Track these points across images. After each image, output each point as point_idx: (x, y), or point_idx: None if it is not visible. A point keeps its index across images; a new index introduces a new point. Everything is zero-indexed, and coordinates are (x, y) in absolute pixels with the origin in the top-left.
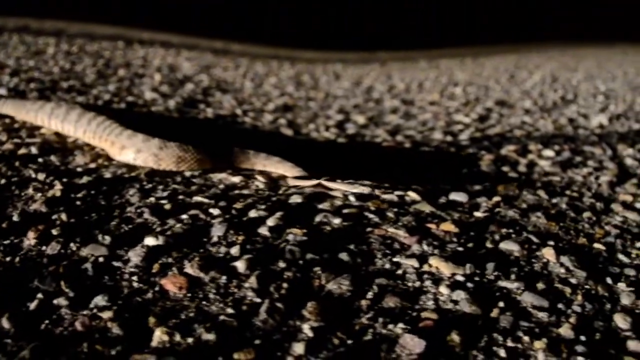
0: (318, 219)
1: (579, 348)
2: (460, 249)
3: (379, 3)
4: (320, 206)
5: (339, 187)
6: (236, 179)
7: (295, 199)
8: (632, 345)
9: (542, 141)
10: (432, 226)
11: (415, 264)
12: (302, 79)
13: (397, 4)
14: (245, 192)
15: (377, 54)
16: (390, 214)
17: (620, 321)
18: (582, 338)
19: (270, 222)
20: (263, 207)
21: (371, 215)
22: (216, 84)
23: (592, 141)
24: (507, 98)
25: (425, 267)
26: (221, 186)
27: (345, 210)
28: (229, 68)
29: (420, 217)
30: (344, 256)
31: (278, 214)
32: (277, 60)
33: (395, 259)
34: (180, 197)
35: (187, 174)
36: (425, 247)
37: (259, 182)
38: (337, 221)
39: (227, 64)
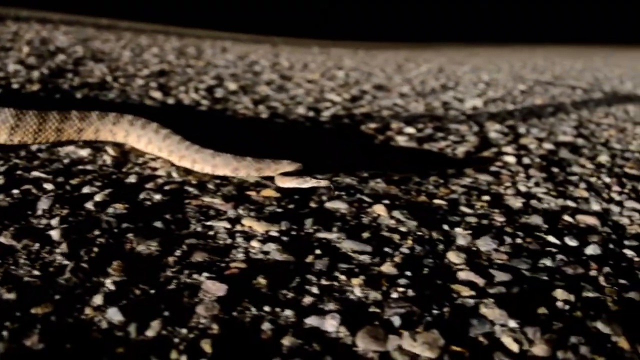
0: (142, 195)
1: (402, 281)
2: (279, 210)
3: None
4: (147, 185)
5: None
6: (84, 153)
7: (131, 179)
8: (462, 275)
9: (407, 120)
10: (252, 193)
11: (228, 225)
12: (186, 51)
13: None
14: (89, 167)
15: (272, 37)
16: (210, 186)
17: (454, 257)
18: (407, 273)
19: (98, 197)
20: (98, 184)
21: (191, 189)
22: (91, 54)
23: (459, 120)
24: (387, 83)
25: (238, 227)
26: (66, 161)
27: (167, 187)
28: (110, 40)
29: (242, 187)
30: (158, 224)
31: (107, 191)
32: (165, 34)
33: (208, 223)
34: (19, 172)
35: (34, 147)
36: (240, 211)
37: (107, 157)
38: (158, 197)
39: (109, 37)
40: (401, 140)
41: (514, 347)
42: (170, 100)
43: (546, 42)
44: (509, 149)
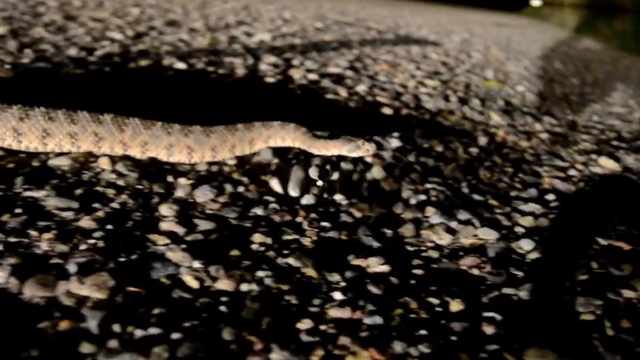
0: None
1: (97, 234)
2: None
3: None
4: None
5: None
6: None
7: None
8: (164, 226)
9: (182, 56)
10: None
11: None
12: None
13: None
14: None
15: None
16: None
17: (165, 210)
18: (109, 227)
19: None
20: None
21: None
22: None
23: (237, 53)
24: (181, 19)
25: None
26: None
27: None
28: None
29: None
30: None
31: None
32: None
33: None
34: None
35: None
36: None
37: None
38: None
39: None
40: (168, 76)
41: (194, 284)
42: None
43: None
44: (271, 79)
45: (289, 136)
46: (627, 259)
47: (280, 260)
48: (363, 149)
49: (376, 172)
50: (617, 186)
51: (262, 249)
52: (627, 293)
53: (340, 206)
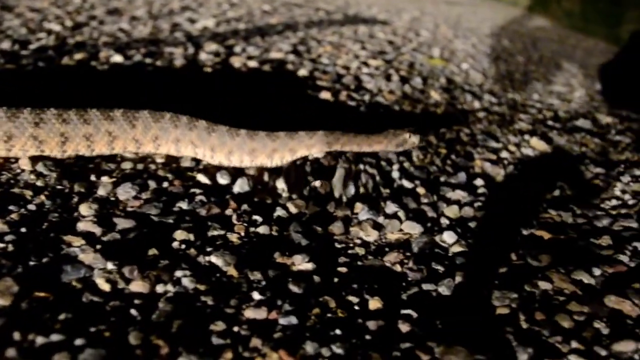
0: None
1: (8, 237)
2: None
3: None
4: None
5: None
6: None
7: None
8: (81, 226)
9: (120, 47)
10: None
11: None
12: None
13: None
14: None
15: None
16: None
17: (85, 209)
18: (22, 230)
19: None
20: None
21: None
22: None
23: (177, 43)
24: (124, 7)
25: None
26: None
27: None
28: None
29: None
30: None
31: None
32: None
33: None
34: None
35: None
36: None
37: None
38: None
39: None
40: (104, 68)
41: (106, 287)
42: None
43: None
44: (209, 69)
45: (319, 143)
46: (546, 249)
47: (201, 259)
48: (410, 142)
49: None
50: (545, 169)
51: (184, 246)
52: (543, 285)
53: (281, 198)
